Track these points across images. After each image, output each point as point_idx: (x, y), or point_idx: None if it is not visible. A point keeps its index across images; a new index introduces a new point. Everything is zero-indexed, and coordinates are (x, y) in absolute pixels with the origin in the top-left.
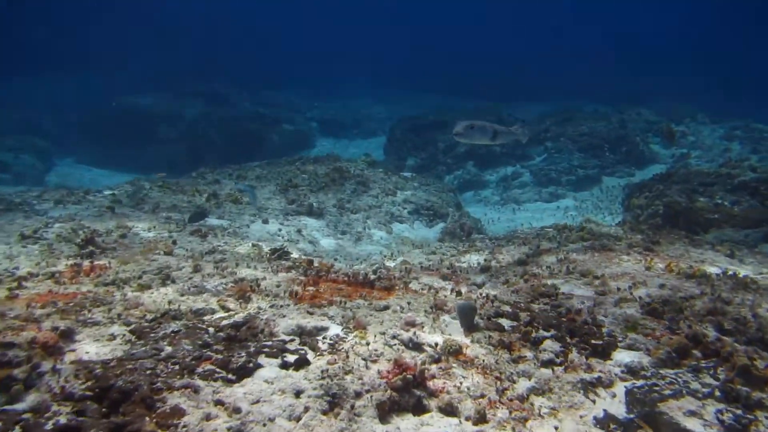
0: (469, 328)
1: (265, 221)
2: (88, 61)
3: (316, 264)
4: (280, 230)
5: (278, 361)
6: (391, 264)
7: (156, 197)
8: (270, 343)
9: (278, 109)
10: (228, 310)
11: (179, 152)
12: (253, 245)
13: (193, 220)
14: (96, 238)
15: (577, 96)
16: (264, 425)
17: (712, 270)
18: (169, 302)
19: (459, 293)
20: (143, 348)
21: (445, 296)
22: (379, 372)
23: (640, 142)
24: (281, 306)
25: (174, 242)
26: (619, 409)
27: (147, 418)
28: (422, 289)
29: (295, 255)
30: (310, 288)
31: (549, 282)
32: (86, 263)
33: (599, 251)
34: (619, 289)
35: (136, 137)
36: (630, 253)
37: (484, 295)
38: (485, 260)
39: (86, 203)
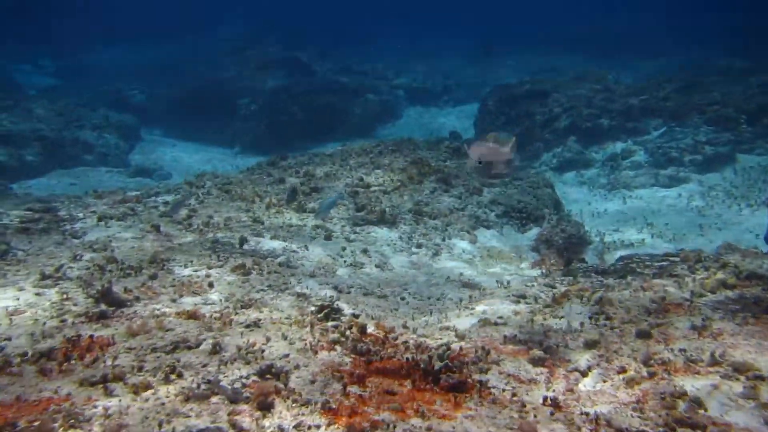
0: None
1: (328, 237)
2: (176, 30)
3: (371, 329)
4: (344, 249)
5: None
6: (467, 322)
7: (212, 205)
8: None
9: (363, 76)
10: (240, 430)
11: (260, 127)
12: (299, 296)
13: (243, 243)
14: (114, 289)
15: (704, 46)
16: None
17: None
18: (161, 423)
19: (555, 405)
20: None
21: (536, 411)
22: None
23: None
24: (309, 428)
25: (210, 285)
26: None
27: None
28: (504, 388)
29: (347, 311)
30: (353, 389)
31: (687, 386)
32: (86, 336)
33: (754, 313)
34: None
35: (220, 110)
36: None
37: (592, 416)
38: (591, 319)
39: (131, 219)
